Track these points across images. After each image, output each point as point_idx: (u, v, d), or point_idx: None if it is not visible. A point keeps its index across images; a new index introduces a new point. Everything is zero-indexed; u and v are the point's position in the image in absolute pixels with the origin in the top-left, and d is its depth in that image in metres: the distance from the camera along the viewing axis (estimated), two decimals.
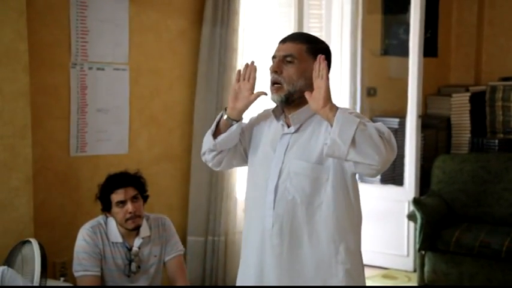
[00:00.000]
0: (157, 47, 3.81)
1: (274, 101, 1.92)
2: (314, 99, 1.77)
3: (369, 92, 5.07)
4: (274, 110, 1.99)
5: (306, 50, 1.88)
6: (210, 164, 2.07)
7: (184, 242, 3.72)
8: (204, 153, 2.05)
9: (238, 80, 1.96)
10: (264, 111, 2.09)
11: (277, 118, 1.98)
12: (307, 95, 1.81)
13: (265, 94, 1.93)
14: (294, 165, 1.88)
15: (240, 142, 2.05)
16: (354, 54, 4.87)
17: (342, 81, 4.86)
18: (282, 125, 1.96)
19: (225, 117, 1.96)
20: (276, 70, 1.88)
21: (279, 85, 1.89)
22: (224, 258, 3.99)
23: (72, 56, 3.38)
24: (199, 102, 3.91)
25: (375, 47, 5.14)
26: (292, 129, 1.93)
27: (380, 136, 1.69)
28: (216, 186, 3.96)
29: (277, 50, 1.91)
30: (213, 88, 3.89)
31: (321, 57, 1.78)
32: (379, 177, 4.64)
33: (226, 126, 1.97)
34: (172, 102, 3.91)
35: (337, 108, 1.74)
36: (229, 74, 3.88)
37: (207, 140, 2.01)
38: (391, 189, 4.70)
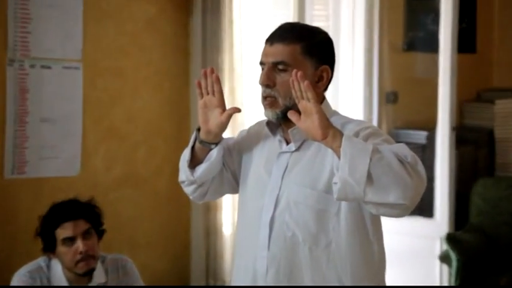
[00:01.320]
0: (119, 40, 3.84)
1: (268, 117, 1.94)
2: (308, 129, 1.76)
3: (389, 97, 5.07)
4: (269, 123, 1.99)
5: (300, 52, 1.89)
6: (191, 197, 2.10)
7: None
8: (182, 183, 2.07)
9: (202, 96, 1.97)
10: (257, 124, 2.09)
11: (273, 133, 1.99)
12: (293, 117, 1.79)
13: (239, 111, 1.98)
14: (295, 193, 1.88)
15: (227, 166, 2.06)
16: (369, 49, 4.87)
17: (353, 85, 4.86)
18: (280, 142, 1.97)
19: (199, 141, 2.00)
20: (266, 84, 1.90)
21: (273, 99, 1.91)
22: None
23: (8, 50, 3.38)
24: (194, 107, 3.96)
25: (396, 41, 5.15)
26: (292, 146, 1.94)
27: (402, 162, 1.68)
28: (198, 218, 3.97)
29: (265, 54, 1.92)
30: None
31: (296, 74, 1.76)
32: None
33: (204, 151, 2.00)
34: (138, 110, 3.94)
35: (341, 134, 1.73)
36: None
37: (184, 171, 2.03)
38: (418, 222, 4.66)
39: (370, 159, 1.65)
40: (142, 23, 3.91)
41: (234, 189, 2.10)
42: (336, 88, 4.61)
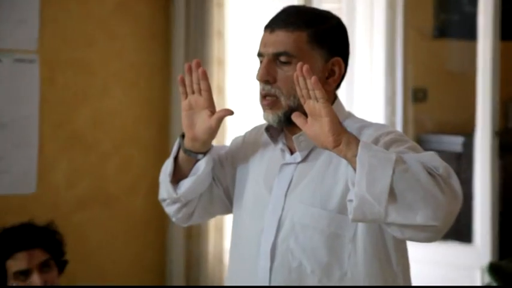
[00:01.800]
0: (84, 27, 3.85)
1: (268, 121, 1.95)
2: (316, 135, 1.77)
3: (416, 95, 5.08)
4: (269, 128, 2.00)
5: (307, 40, 1.90)
6: (174, 219, 2.11)
7: None
8: (164, 201, 2.08)
9: (186, 95, 1.98)
10: (254, 129, 2.10)
11: (275, 140, 2.01)
12: (298, 120, 1.81)
13: (232, 113, 1.98)
14: (301, 214, 1.89)
15: (218, 181, 2.07)
16: (391, 36, 4.88)
17: (372, 80, 4.86)
18: (282, 151, 1.98)
19: (183, 150, 2.00)
20: (266, 79, 1.91)
21: (274, 98, 1.91)
22: None
23: None
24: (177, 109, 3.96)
25: (425, 26, 5.17)
26: (297, 156, 1.95)
27: (431, 175, 1.68)
28: (178, 245, 4.00)
29: (264, 43, 1.94)
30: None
31: (302, 68, 1.77)
32: None
33: (190, 163, 2.00)
34: (108, 113, 3.96)
35: (357, 141, 1.73)
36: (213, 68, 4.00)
37: (165, 187, 2.03)
38: (452, 249, 4.67)
39: (393, 171, 1.65)
40: (112, 5, 3.92)
41: (227, 209, 2.11)
42: (350, 84, 4.62)
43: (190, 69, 1.97)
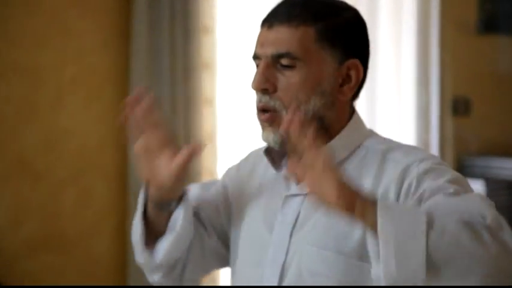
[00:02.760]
0: (33, 23, 3.86)
1: (268, 142, 1.95)
2: (318, 195, 1.71)
3: (456, 107, 5.11)
4: (269, 150, 2.01)
5: (315, 38, 1.90)
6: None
7: None
8: (144, 269, 2.08)
9: (138, 136, 1.97)
10: (250, 155, 2.13)
11: (277, 166, 2.02)
12: (293, 171, 1.83)
13: (199, 152, 1.95)
14: (310, 259, 1.90)
15: (210, 229, 2.09)
16: (424, 32, 4.91)
17: (401, 87, 4.88)
18: (287, 179, 1.99)
19: (151, 202, 2.00)
20: (264, 88, 1.91)
21: (273, 113, 1.92)
22: None
23: None
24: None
25: (467, 18, 5.21)
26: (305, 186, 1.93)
27: (475, 230, 1.65)
28: None
29: (261, 43, 1.94)
30: (163, 103, 3.97)
31: (292, 109, 1.83)
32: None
33: (162, 217, 2.00)
34: (64, 132, 3.95)
35: (372, 201, 1.68)
36: (199, 74, 3.99)
37: (140, 253, 2.03)
38: None
39: (427, 240, 1.63)
40: None
41: (223, 261, 2.12)
42: (372, 93, 4.60)
43: (132, 103, 1.94)
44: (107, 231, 4.06)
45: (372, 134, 1.98)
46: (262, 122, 1.94)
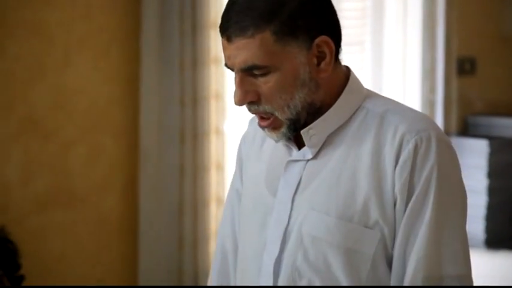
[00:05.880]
0: None
1: (276, 140, 1.97)
2: None
3: (462, 66, 5.10)
4: None
5: (274, 39, 1.88)
6: None
7: None
8: None
9: None
10: (251, 122, 2.13)
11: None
12: None
13: None
14: (312, 223, 1.91)
15: None
16: None
17: (406, 47, 4.86)
18: (287, 146, 2.00)
19: None
20: (248, 102, 1.91)
21: (271, 116, 1.92)
22: None
23: None
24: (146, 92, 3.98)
25: None
26: (307, 152, 1.96)
27: None
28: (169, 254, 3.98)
29: (227, 56, 1.92)
30: (172, 62, 3.97)
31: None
32: (483, 237, 4.68)
33: None
34: (72, 91, 3.94)
35: None
36: (207, 34, 3.98)
37: None
38: (507, 260, 4.70)
39: None
40: None
41: None
42: (377, 53, 4.55)
43: None
44: (116, 188, 4.07)
45: (370, 93, 1.97)
46: (263, 127, 1.94)
